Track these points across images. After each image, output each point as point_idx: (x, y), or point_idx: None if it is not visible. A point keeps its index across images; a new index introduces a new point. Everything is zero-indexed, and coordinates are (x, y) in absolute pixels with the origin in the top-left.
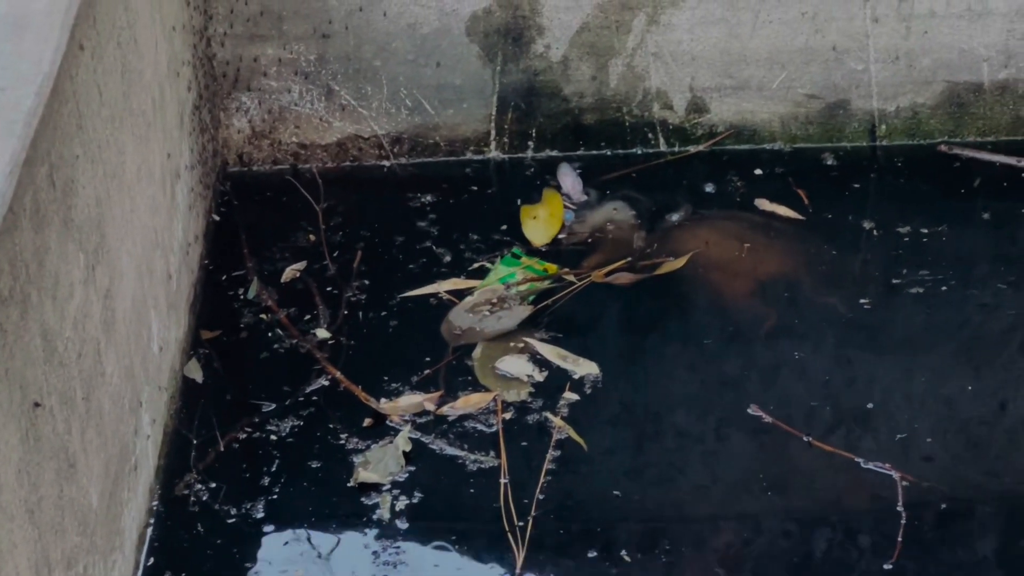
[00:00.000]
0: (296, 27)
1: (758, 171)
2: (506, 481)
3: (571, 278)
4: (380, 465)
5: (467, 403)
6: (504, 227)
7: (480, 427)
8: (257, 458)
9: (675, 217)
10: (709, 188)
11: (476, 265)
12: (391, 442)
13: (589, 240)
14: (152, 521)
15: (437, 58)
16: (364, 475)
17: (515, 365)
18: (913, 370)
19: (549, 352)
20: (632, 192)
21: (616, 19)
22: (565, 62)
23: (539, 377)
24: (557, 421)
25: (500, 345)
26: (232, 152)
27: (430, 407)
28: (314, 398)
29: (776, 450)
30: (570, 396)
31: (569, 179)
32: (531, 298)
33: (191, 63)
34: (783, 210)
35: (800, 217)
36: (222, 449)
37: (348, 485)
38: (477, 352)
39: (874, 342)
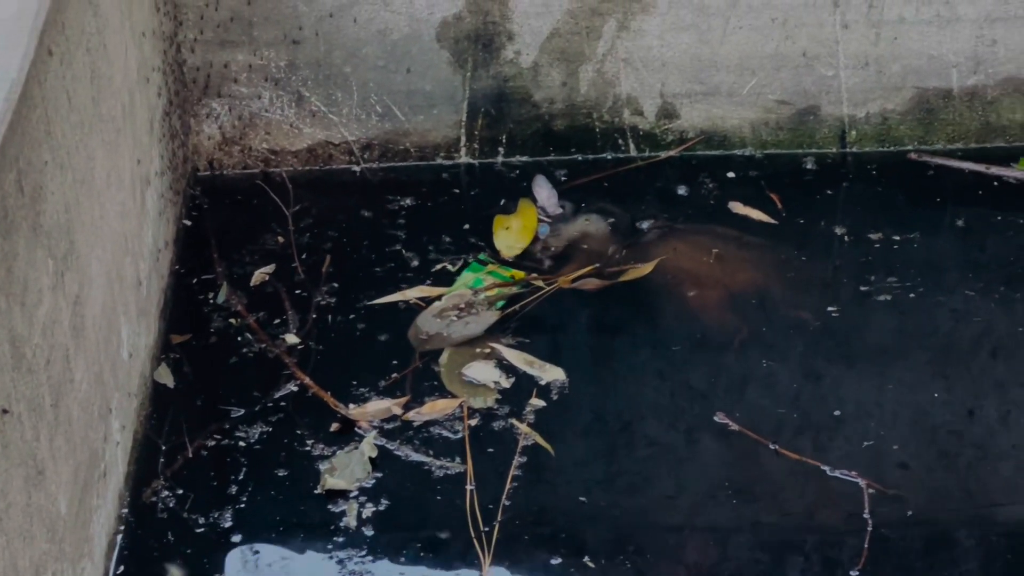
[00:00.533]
0: (266, 33)
1: (731, 174)
2: (472, 487)
3: (539, 283)
4: (347, 471)
5: (433, 409)
6: (473, 232)
7: (446, 433)
8: (225, 464)
9: (648, 229)
10: (682, 191)
11: (439, 267)
12: (357, 448)
13: (563, 253)
14: (122, 528)
15: (407, 64)
16: (331, 482)
17: (482, 371)
18: (880, 378)
19: (516, 358)
20: (606, 204)
21: (586, 25)
22: (535, 68)
23: (506, 384)
24: (523, 428)
25: (467, 351)
26: (203, 158)
27: (398, 411)
28: (283, 404)
29: (742, 457)
30: (536, 402)
31: (544, 191)
32: (499, 304)
33: (161, 69)
34: (756, 214)
35: (773, 221)
36: (191, 455)
37: (315, 492)
38: (444, 358)
39: (842, 349)
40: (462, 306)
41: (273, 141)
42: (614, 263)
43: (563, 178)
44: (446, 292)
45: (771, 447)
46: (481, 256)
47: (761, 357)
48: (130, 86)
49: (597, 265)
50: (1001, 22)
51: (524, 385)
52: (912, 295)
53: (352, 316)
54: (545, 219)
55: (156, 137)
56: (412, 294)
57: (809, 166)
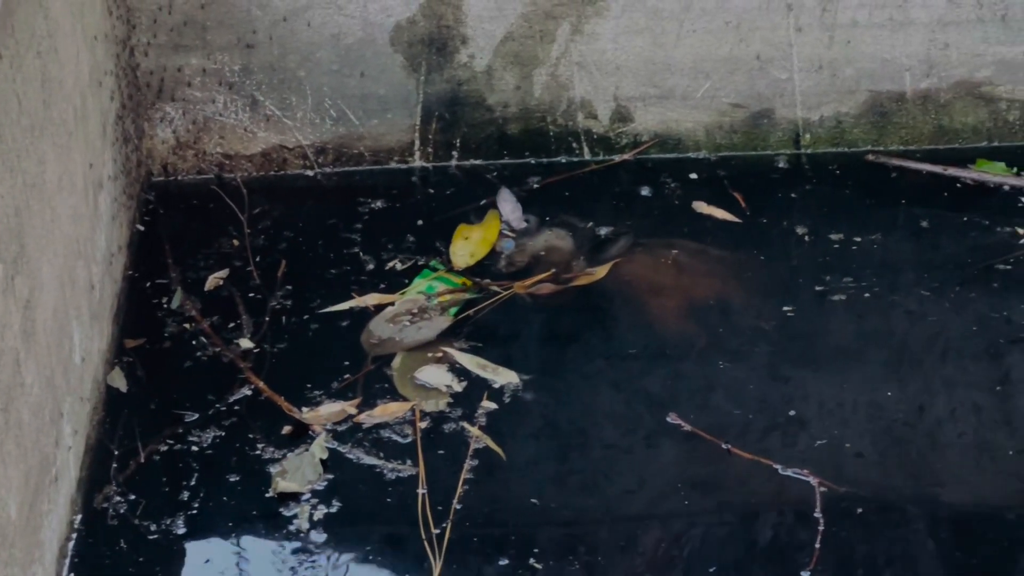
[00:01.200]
0: (220, 37)
1: (693, 175)
2: (424, 491)
3: (495, 288)
4: (298, 474)
5: (384, 412)
6: (428, 236)
7: (397, 437)
8: (178, 469)
9: (610, 239)
10: (645, 192)
11: (389, 265)
12: (308, 451)
13: (525, 266)
14: (73, 534)
15: (361, 68)
16: (283, 484)
17: (434, 375)
18: (834, 377)
19: (468, 362)
20: (570, 216)
21: (540, 29)
22: (489, 72)
23: (458, 387)
24: (475, 431)
25: (419, 355)
26: (157, 162)
27: (352, 411)
28: (236, 408)
29: (695, 458)
30: (488, 405)
31: (508, 205)
32: (453, 311)
33: (114, 73)
34: (721, 213)
35: (737, 220)
36: (143, 460)
37: (267, 495)
38: (396, 362)
39: (796, 349)
40: (415, 311)
41: (227, 145)
42: (572, 269)
43: (536, 185)
44: (399, 298)
45: (723, 447)
46: (432, 263)
47: (716, 358)
48: (82, 90)
49: (553, 271)
50: (953, 26)
51: (477, 388)
52: (867, 295)
53: (306, 320)
54: (509, 234)
55: (109, 141)
56: (365, 301)
57: (761, 170)
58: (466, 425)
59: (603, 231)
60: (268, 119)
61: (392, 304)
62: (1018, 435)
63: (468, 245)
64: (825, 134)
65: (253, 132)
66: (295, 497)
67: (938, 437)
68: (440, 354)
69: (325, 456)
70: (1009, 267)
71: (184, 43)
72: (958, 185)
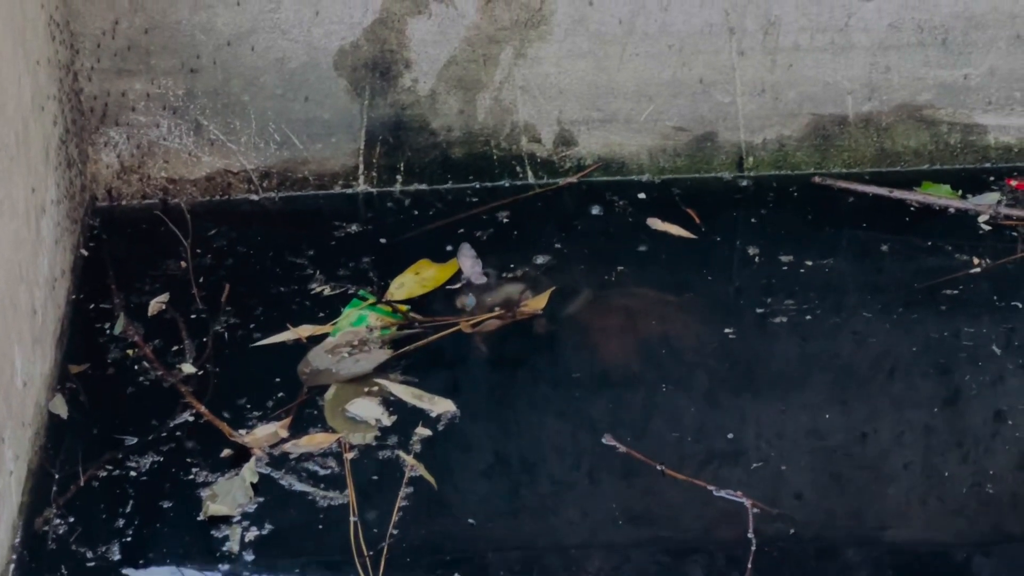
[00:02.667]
0: (164, 62)
1: (642, 195)
2: (356, 519)
3: (437, 323)
4: (228, 497)
5: (311, 442)
6: (372, 262)
7: (332, 462)
8: (115, 495)
9: (575, 303)
10: (596, 210)
11: (323, 292)
12: (238, 474)
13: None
14: (14, 558)
15: (305, 92)
16: (213, 508)
17: (365, 408)
18: (772, 400)
19: (403, 392)
20: (530, 269)
21: (483, 52)
22: (433, 96)
23: (387, 421)
24: (410, 460)
25: (353, 387)
26: (101, 187)
27: (284, 434)
28: (178, 433)
29: (628, 480)
30: (423, 432)
31: (468, 261)
32: (390, 342)
33: (57, 97)
34: (676, 229)
35: (693, 236)
36: (82, 485)
37: (198, 519)
38: (329, 393)
39: (736, 373)
40: (355, 343)
41: (172, 170)
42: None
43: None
44: (332, 330)
45: (658, 468)
46: (361, 292)
47: (653, 380)
48: (24, 114)
49: (498, 311)
50: (894, 49)
51: (414, 416)
52: (810, 317)
53: (249, 346)
54: (468, 289)
55: (52, 166)
56: (299, 332)
57: (703, 193)
58: (401, 453)
59: (541, 259)
60: (212, 143)
61: (328, 335)
62: (957, 457)
63: (412, 279)
64: (768, 157)
65: (197, 156)
66: (226, 520)
67: (876, 460)
68: (375, 387)
69: (255, 480)
70: (957, 290)
71: (128, 68)
72: (910, 207)
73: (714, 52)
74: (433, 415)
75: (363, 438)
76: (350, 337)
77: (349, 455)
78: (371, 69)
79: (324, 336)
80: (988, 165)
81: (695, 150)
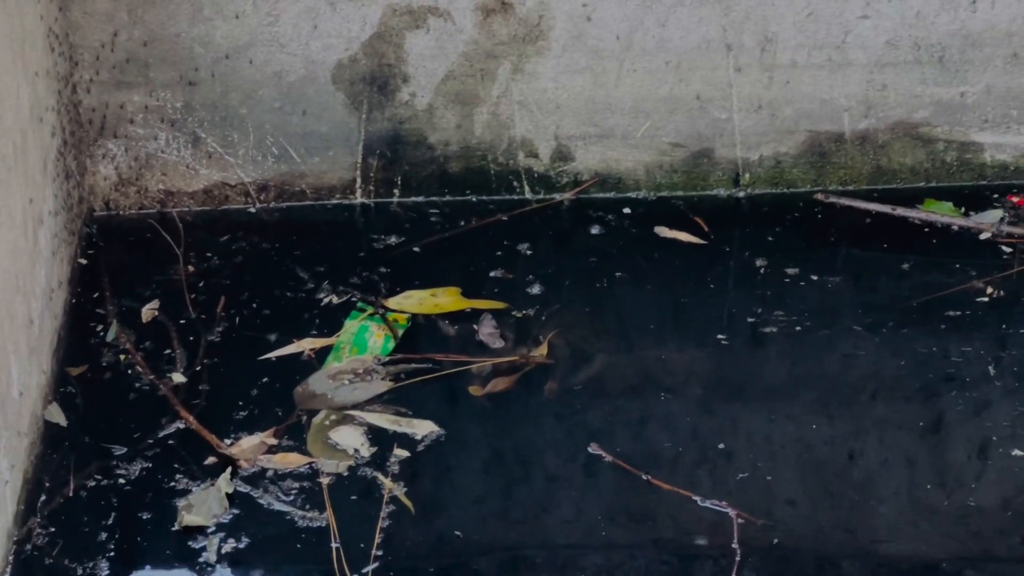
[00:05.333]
0: (162, 74)
1: (640, 209)
2: (337, 545)
3: (432, 356)
4: (203, 508)
5: (283, 461)
6: (368, 275)
7: (310, 484)
8: (100, 504)
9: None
10: (594, 231)
11: (325, 301)
12: (214, 485)
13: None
14: (8, 569)
15: (303, 106)
16: (188, 519)
17: (347, 436)
18: (761, 412)
19: (381, 420)
20: (533, 290)
21: (481, 67)
22: (430, 110)
23: (365, 453)
24: (387, 483)
25: (342, 413)
26: (99, 198)
27: (272, 442)
28: (170, 442)
29: (614, 488)
30: (401, 453)
31: (487, 328)
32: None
33: (55, 109)
34: (685, 236)
35: (702, 241)
36: (71, 494)
37: (173, 529)
38: (318, 418)
39: (725, 385)
40: (360, 371)
41: (169, 182)
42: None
43: (504, 218)
44: (336, 341)
45: (643, 477)
46: (359, 304)
47: (643, 391)
48: (22, 125)
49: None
50: (891, 67)
51: (398, 439)
52: (799, 329)
53: (242, 358)
54: (486, 358)
55: (50, 177)
56: (302, 345)
57: (700, 209)
58: (379, 475)
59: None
60: (210, 156)
61: (330, 347)
62: (937, 468)
63: (419, 301)
64: (765, 174)
65: (195, 169)
66: (201, 530)
67: (859, 471)
68: (358, 417)
69: (231, 490)
70: (963, 311)
71: (127, 80)
72: (890, 224)
73: (711, 68)
74: (417, 438)
75: (336, 467)
76: (356, 365)
77: (325, 480)
78: (369, 83)
79: (328, 348)
80: (984, 183)
81: (692, 166)
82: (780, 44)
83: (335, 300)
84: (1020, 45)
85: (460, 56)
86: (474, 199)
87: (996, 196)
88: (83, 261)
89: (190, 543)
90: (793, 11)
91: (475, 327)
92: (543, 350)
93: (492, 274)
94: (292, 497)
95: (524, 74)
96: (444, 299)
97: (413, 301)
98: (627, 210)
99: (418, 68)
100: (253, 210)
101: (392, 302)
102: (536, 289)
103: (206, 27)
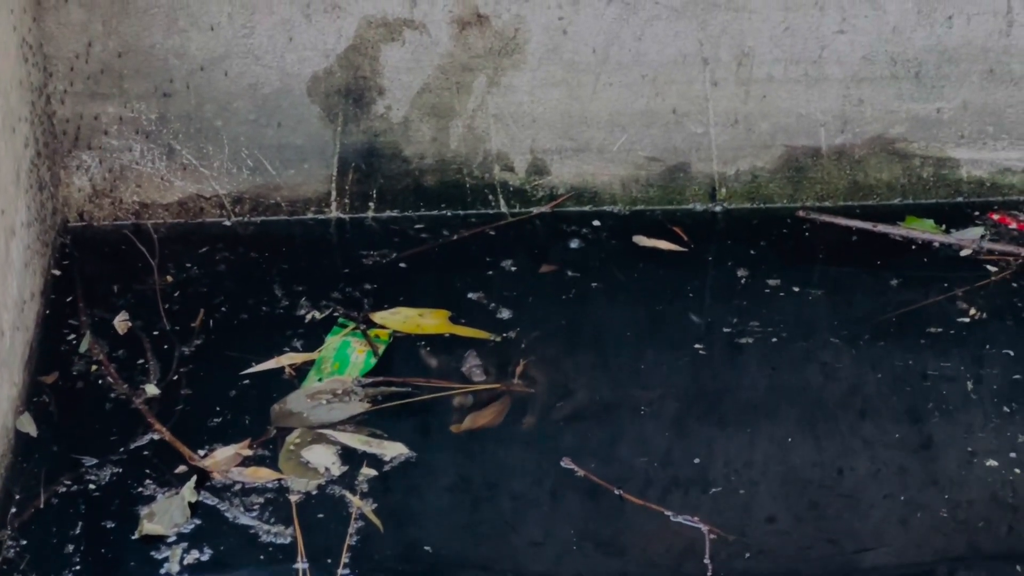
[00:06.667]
0: (137, 86)
1: (596, 222)
2: (305, 565)
3: (412, 380)
4: (165, 517)
5: (254, 475)
6: (343, 288)
7: (277, 497)
8: (69, 515)
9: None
10: (574, 245)
11: (308, 317)
12: (178, 493)
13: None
14: None
15: (278, 118)
16: (148, 527)
17: (319, 455)
18: (736, 428)
19: (351, 440)
20: (511, 310)
21: (457, 80)
22: (406, 123)
23: (336, 472)
24: (356, 501)
25: (316, 432)
26: (72, 210)
27: (247, 453)
28: (145, 453)
29: (586, 503)
30: (368, 472)
31: (471, 362)
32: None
33: (29, 120)
34: (664, 244)
35: (682, 249)
36: (41, 506)
37: (132, 538)
38: (291, 436)
39: (700, 401)
40: (339, 392)
41: (144, 194)
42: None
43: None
44: (317, 356)
45: (615, 492)
46: (341, 319)
47: (616, 407)
48: None
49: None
50: (867, 82)
51: (361, 457)
52: (774, 340)
53: (216, 371)
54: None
55: (23, 188)
56: (281, 361)
57: (676, 223)
58: (347, 493)
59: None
60: (185, 168)
61: (312, 361)
62: (918, 481)
63: (404, 319)
64: (741, 188)
65: (170, 181)
66: (162, 539)
67: (832, 483)
68: (331, 436)
69: (194, 499)
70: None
71: (101, 91)
72: (863, 240)
73: (688, 82)
74: (386, 459)
75: (305, 485)
76: (335, 385)
77: (294, 498)
78: (344, 96)
79: (310, 364)
80: (961, 199)
81: (668, 180)
82: (757, 58)
83: (317, 316)
84: (996, 61)
85: (436, 69)
86: (449, 213)
87: (977, 213)
88: (56, 272)
89: (152, 553)
90: (770, 25)
91: (461, 362)
92: (523, 377)
93: (470, 295)
94: (258, 511)
95: (500, 87)
96: (430, 320)
97: (399, 318)
98: (598, 223)
99: (393, 81)
100: (228, 223)
101: (378, 316)
102: (516, 307)
103: (181, 39)
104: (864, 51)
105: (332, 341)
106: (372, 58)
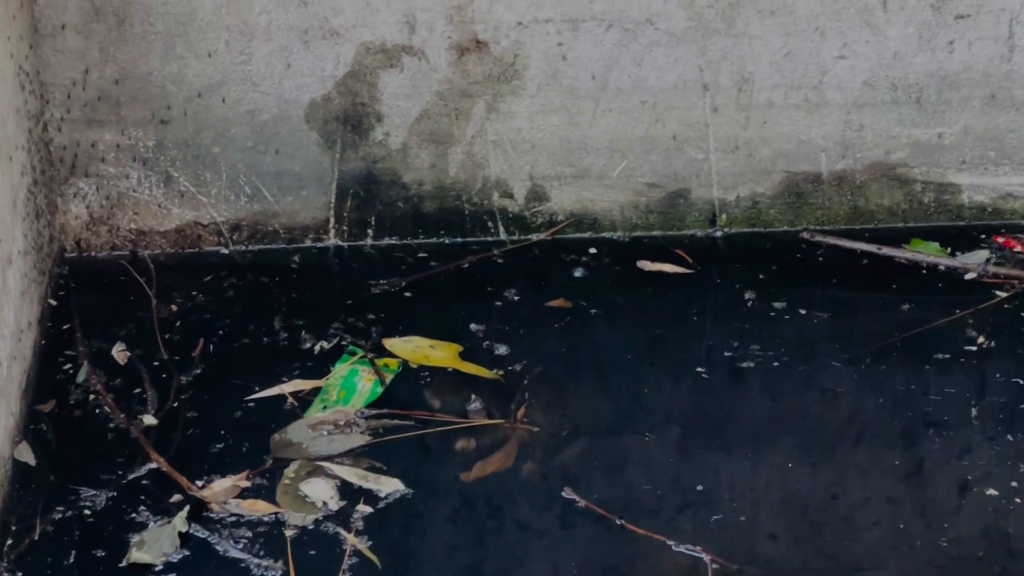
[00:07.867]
0: (134, 113)
1: (594, 249)
2: None
3: (417, 414)
4: (155, 545)
5: (251, 508)
6: (342, 317)
7: (270, 530)
8: (64, 545)
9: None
10: (578, 274)
11: (317, 348)
12: (169, 523)
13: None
14: None
15: (276, 145)
16: (136, 555)
17: (317, 489)
18: (737, 454)
19: (348, 474)
20: (517, 343)
21: (456, 107)
22: (404, 149)
23: (333, 506)
24: (351, 538)
25: (315, 464)
26: (70, 238)
27: (244, 484)
28: (144, 483)
29: (587, 533)
30: (364, 508)
31: (476, 406)
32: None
33: (26, 148)
34: (670, 267)
35: (688, 271)
36: (36, 537)
37: (120, 566)
38: (290, 468)
39: (701, 426)
40: (341, 423)
41: (141, 221)
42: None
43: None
44: (324, 383)
45: (617, 522)
46: (350, 347)
47: (616, 435)
48: None
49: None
50: (868, 107)
51: (357, 493)
52: (776, 366)
53: (218, 399)
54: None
55: (20, 216)
56: (286, 388)
57: (676, 249)
58: (341, 530)
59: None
60: (182, 195)
61: (318, 389)
62: (916, 508)
63: (423, 347)
64: (741, 214)
65: (167, 208)
66: (150, 568)
67: (835, 511)
68: (329, 468)
69: (185, 529)
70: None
71: (98, 118)
72: (865, 263)
73: (688, 108)
74: (381, 495)
75: (303, 519)
76: (338, 416)
77: (289, 532)
78: (342, 122)
79: (316, 390)
80: (963, 224)
81: (668, 207)
82: (757, 84)
83: (326, 346)
84: (997, 86)
85: (434, 95)
86: (447, 240)
87: (983, 237)
88: (53, 302)
89: None
90: (770, 51)
91: (466, 401)
92: (527, 416)
93: (473, 326)
94: (249, 544)
95: (499, 113)
96: (439, 353)
97: (411, 347)
98: (595, 249)
99: (392, 107)
100: (226, 251)
101: (390, 343)
102: (521, 338)
103: (178, 65)
104: (865, 76)
105: (340, 369)
106: (370, 84)
